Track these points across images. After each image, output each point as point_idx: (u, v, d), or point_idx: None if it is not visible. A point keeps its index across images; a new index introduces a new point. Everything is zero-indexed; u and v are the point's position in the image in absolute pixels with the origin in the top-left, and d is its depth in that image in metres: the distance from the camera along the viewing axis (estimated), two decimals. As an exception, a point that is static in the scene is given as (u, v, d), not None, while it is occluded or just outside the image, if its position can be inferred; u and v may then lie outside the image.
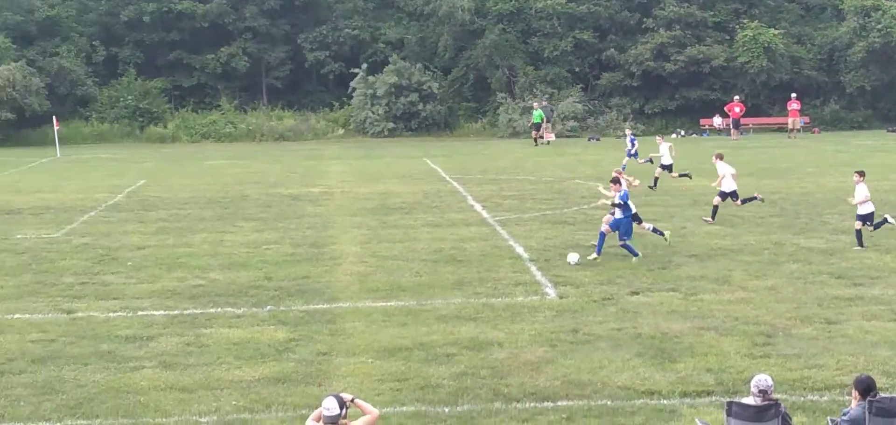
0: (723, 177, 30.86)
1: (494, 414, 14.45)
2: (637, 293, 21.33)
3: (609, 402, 14.85)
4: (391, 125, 69.52)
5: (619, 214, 24.55)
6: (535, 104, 65.36)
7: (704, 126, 69.49)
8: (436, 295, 21.66)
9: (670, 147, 39.87)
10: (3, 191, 41.45)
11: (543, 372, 16.28)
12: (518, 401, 14.95)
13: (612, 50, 71.61)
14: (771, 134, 67.53)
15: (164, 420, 14.59)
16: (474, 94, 74.33)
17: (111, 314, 20.53)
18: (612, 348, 17.46)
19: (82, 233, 30.33)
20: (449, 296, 21.49)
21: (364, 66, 71.41)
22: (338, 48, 74.51)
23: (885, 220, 26.25)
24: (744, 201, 30.98)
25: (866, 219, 25.77)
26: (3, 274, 24.72)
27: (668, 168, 39.19)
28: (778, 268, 23.51)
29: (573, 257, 24.22)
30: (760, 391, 11.81)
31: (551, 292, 21.69)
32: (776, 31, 69.67)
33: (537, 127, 62.41)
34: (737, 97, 67.28)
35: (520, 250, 26.35)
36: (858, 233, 25.68)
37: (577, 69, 72.47)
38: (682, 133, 68.16)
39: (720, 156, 32.08)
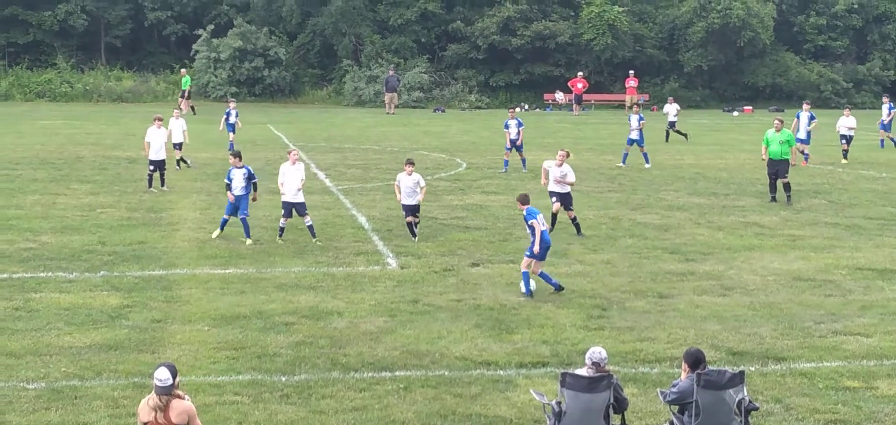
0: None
1: (331, 384, 14.37)
2: (477, 265, 21.47)
3: (446, 372, 14.91)
4: (234, 90, 68.49)
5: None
6: (183, 70, 64.44)
7: (548, 101, 70.37)
8: (276, 263, 21.44)
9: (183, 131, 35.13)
10: None
11: (382, 341, 16.26)
12: (356, 371, 14.90)
13: (459, 22, 71.86)
14: (612, 110, 68.79)
15: (-12, 387, 14.09)
16: (320, 61, 73.83)
17: (-66, 277, 19.74)
18: (451, 319, 17.54)
19: None
20: (289, 265, 21.29)
21: (208, 28, 70.18)
22: (180, 9, 73.04)
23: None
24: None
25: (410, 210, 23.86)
26: None
27: (179, 146, 34.80)
28: (614, 243, 23.96)
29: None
30: (594, 363, 12.00)
31: (393, 262, 21.68)
32: (620, 9, 70.89)
33: (184, 94, 61.10)
34: (580, 73, 68.35)
35: (362, 220, 26.28)
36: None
37: (423, 40, 72.56)
38: (526, 107, 68.89)
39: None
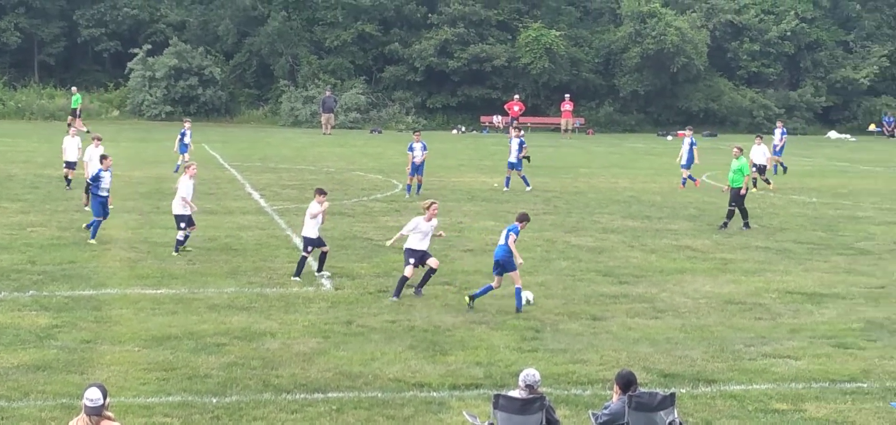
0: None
1: (263, 406, 14.25)
2: (412, 286, 21.40)
3: (379, 394, 14.86)
4: (169, 108, 68.03)
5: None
6: (74, 89, 62.99)
7: (485, 123, 70.63)
8: (208, 283, 21.27)
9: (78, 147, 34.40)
10: None
11: (315, 363, 16.17)
12: (288, 393, 14.80)
13: (397, 44, 71.96)
14: (547, 133, 69.15)
15: (-89, 409, 13.82)
16: (257, 81, 73.52)
17: None
18: (385, 340, 17.49)
19: None
20: (222, 285, 21.13)
21: (144, 47, 69.65)
22: (115, 27, 72.37)
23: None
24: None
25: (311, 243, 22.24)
26: None
27: (72, 165, 34.29)
28: (549, 265, 24.05)
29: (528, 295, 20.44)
30: (527, 385, 12.02)
31: (327, 283, 21.59)
32: (557, 33, 71.34)
33: (74, 113, 60.23)
34: (517, 96, 68.69)
35: (297, 241, 26.13)
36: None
37: (360, 61, 72.56)
38: (463, 129, 69.09)
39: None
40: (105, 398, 10.53)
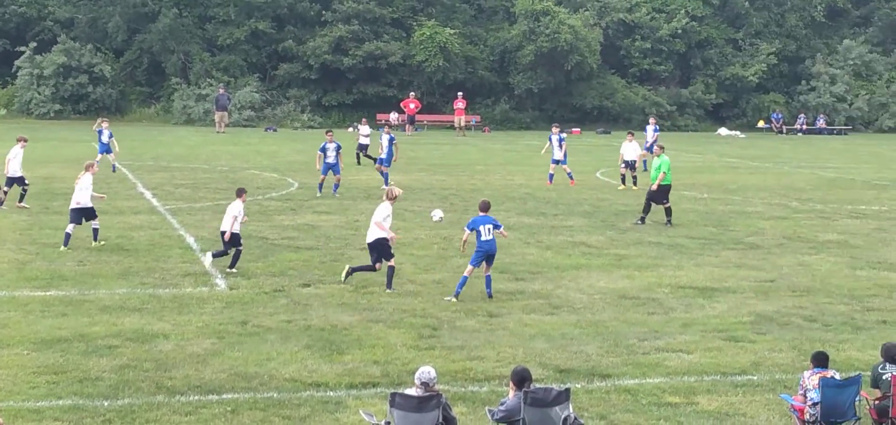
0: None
1: (156, 408, 14.04)
2: (308, 285, 21.29)
3: (275, 394, 14.73)
4: (58, 107, 66.80)
5: None
6: None
7: (381, 121, 70.49)
8: (99, 285, 20.88)
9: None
10: None
11: (210, 364, 15.97)
12: (182, 394, 14.59)
13: (291, 41, 71.57)
14: (444, 131, 69.35)
15: None
16: (148, 79, 72.49)
17: None
18: (281, 340, 17.35)
19: None
20: (113, 286, 20.77)
21: (31, 44, 68.25)
22: (2, 24, 70.81)
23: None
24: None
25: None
26: None
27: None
28: (446, 263, 24.08)
29: (437, 213, 23.07)
30: (423, 383, 12.03)
31: (221, 283, 21.35)
32: (451, 31, 71.61)
33: None
34: (412, 94, 68.77)
35: (190, 240, 25.83)
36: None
37: (254, 59, 72.01)
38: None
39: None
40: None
